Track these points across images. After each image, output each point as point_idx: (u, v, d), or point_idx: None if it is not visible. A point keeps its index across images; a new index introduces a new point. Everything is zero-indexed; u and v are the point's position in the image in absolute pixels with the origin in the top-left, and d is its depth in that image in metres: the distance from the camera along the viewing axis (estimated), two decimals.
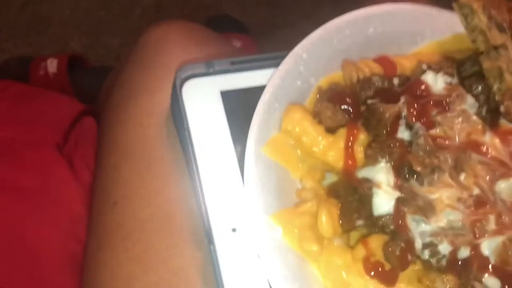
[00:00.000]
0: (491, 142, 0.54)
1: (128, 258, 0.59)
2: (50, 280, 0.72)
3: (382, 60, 0.62)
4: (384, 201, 0.52)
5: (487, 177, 0.53)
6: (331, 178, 0.58)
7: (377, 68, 0.61)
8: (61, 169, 0.69)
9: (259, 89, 0.60)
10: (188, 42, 0.69)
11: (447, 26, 0.65)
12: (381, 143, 0.53)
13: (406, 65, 0.62)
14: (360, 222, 0.53)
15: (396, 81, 0.60)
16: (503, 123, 0.56)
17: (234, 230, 0.56)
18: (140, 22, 1.69)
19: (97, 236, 0.63)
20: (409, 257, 0.50)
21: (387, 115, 0.54)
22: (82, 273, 0.66)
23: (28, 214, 0.66)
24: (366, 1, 0.80)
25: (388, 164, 0.53)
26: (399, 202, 0.51)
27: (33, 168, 0.68)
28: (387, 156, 0.53)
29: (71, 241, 0.71)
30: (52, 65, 1.40)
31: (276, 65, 0.61)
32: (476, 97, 0.58)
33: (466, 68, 0.62)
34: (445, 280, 0.50)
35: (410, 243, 0.50)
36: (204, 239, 0.56)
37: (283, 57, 0.61)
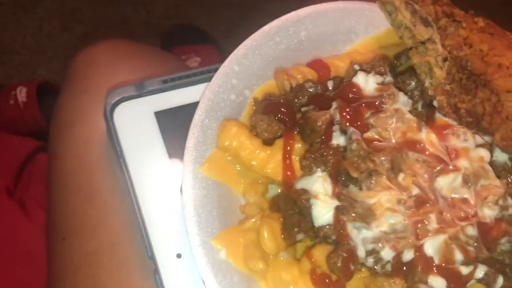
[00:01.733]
0: (427, 138, 0.53)
1: None
2: None
3: (315, 64, 0.61)
4: (323, 212, 0.51)
5: (426, 175, 0.52)
6: (274, 190, 0.57)
7: (310, 73, 0.60)
8: (12, 212, 0.68)
9: (195, 106, 0.59)
10: (116, 61, 0.67)
11: (381, 20, 0.64)
12: (315, 152, 0.52)
13: (340, 66, 0.61)
14: (300, 236, 0.52)
15: (330, 84, 0.59)
16: (439, 117, 0.56)
17: (179, 256, 0.55)
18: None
19: (52, 272, 0.62)
20: (352, 266, 0.49)
21: (319, 123, 0.53)
22: None
23: None
24: None
25: (324, 173, 0.52)
26: (338, 211, 0.50)
27: None
28: (322, 165, 0.52)
29: (33, 283, 0.69)
30: (21, 94, 1.38)
31: (209, 79, 0.60)
32: (410, 93, 0.57)
33: (402, 61, 0.62)
34: (392, 284, 0.50)
35: (351, 252, 0.49)
36: (151, 267, 0.55)
37: (215, 71, 0.60)
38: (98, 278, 0.57)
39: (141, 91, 0.60)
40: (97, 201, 0.60)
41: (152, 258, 0.54)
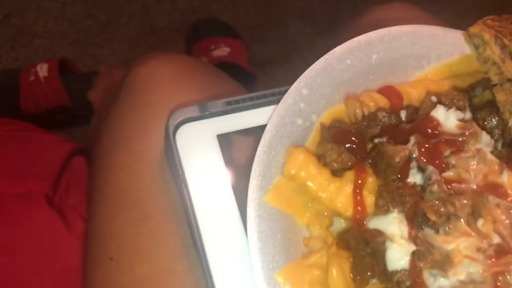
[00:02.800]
0: (509, 182, 0.50)
1: None
2: None
3: (387, 91, 0.58)
4: (398, 256, 0.48)
5: (507, 221, 0.49)
6: (339, 224, 0.55)
7: (382, 101, 0.57)
8: (52, 222, 0.65)
9: (257, 130, 0.57)
10: (178, 78, 0.65)
11: (454, 47, 0.61)
12: (392, 192, 0.49)
13: (413, 95, 0.58)
14: (374, 281, 0.49)
15: (403, 114, 0.57)
16: None
17: None
18: (127, 30, 1.62)
19: None
20: None
21: (397, 159, 0.51)
22: None
23: (21, 274, 0.62)
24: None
25: (401, 214, 0.49)
26: (414, 256, 0.48)
27: (23, 224, 0.64)
28: (399, 205, 0.49)
29: None
30: (42, 69, 1.36)
31: (273, 102, 0.58)
32: (490, 131, 0.54)
33: (477, 93, 0.59)
34: None
35: None
36: None
37: (280, 94, 0.57)
38: None
39: (204, 113, 0.57)
40: (152, 222, 0.58)
41: None
